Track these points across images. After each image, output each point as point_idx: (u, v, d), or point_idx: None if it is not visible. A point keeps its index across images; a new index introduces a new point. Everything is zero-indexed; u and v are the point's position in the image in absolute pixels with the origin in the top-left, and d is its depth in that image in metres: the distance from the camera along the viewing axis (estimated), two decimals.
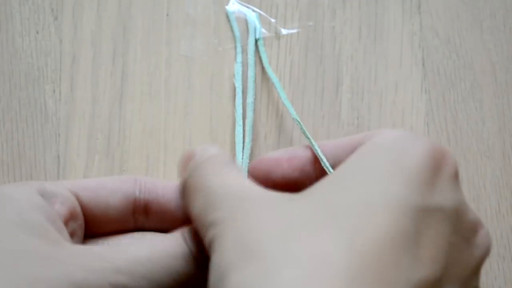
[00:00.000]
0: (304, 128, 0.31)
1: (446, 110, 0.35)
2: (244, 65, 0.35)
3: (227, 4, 0.36)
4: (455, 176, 0.23)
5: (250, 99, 0.34)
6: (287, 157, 0.29)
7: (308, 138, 0.30)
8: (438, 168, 0.22)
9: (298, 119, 0.32)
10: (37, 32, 0.35)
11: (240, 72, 0.34)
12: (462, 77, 0.35)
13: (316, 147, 0.29)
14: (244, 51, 0.35)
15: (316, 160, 0.29)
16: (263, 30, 0.35)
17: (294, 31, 0.36)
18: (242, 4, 0.36)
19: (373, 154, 0.22)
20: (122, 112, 0.34)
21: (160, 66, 0.35)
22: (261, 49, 0.35)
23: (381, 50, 0.36)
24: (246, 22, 0.36)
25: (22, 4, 0.35)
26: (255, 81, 0.34)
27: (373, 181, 0.21)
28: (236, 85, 0.34)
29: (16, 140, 0.34)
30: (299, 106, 0.35)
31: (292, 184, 0.29)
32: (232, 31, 0.35)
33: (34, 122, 0.34)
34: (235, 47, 0.35)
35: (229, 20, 0.36)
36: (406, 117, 0.35)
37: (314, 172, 0.29)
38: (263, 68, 0.35)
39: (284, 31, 0.36)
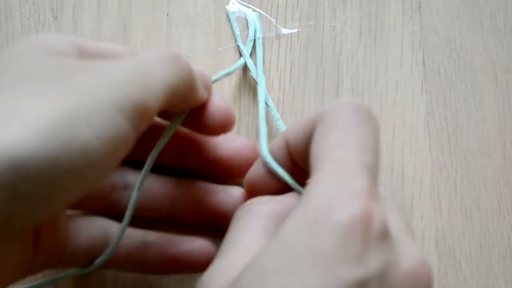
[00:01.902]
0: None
1: (446, 110, 0.35)
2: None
3: (227, 3, 0.36)
4: (383, 234, 0.22)
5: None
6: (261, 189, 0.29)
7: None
8: (362, 235, 0.21)
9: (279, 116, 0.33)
10: (37, 32, 0.35)
11: (255, 68, 0.34)
12: (463, 76, 0.35)
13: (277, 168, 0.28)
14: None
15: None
16: (263, 30, 0.35)
17: (295, 30, 0.36)
18: (242, 4, 0.36)
19: (293, 237, 0.22)
20: None
21: None
22: (259, 47, 0.35)
23: (381, 49, 0.36)
24: (246, 22, 0.36)
25: (22, 4, 0.35)
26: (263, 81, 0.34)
27: (291, 274, 0.21)
28: (259, 79, 0.34)
29: None
30: (299, 105, 0.35)
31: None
32: (232, 31, 0.35)
33: None
34: (237, 47, 0.35)
35: (229, 20, 0.36)
36: (407, 117, 0.35)
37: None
38: (263, 67, 0.35)
39: (284, 31, 0.36)
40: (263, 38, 0.35)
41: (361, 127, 0.24)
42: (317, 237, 0.21)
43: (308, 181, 0.23)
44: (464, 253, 0.33)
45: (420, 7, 0.36)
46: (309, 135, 0.25)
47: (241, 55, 0.35)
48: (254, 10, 0.36)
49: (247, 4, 0.36)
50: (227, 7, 0.36)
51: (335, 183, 0.22)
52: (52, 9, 0.35)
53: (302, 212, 0.22)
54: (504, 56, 0.36)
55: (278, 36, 0.36)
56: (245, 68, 0.35)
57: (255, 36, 0.35)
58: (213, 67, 0.35)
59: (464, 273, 0.33)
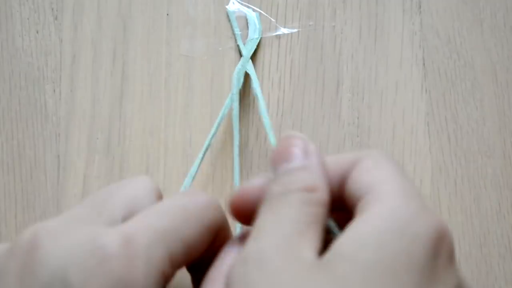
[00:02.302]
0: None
1: (446, 110, 0.35)
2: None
3: (227, 3, 0.36)
4: (452, 257, 0.21)
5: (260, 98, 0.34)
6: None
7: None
8: (436, 256, 0.20)
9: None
10: (37, 32, 0.35)
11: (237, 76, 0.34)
12: (463, 76, 0.35)
13: None
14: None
15: None
16: (263, 30, 0.35)
17: (295, 30, 0.36)
18: (242, 4, 0.36)
19: (371, 246, 0.20)
20: (122, 112, 0.34)
21: (160, 66, 0.35)
22: (251, 45, 0.35)
23: (381, 49, 0.36)
24: (246, 21, 0.36)
25: (22, 4, 0.35)
26: (242, 76, 0.34)
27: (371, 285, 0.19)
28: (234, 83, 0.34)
29: (16, 140, 0.34)
30: (299, 105, 0.35)
31: None
32: (232, 30, 0.35)
33: (34, 122, 0.34)
34: (237, 46, 0.35)
35: (229, 20, 0.36)
36: (407, 117, 0.35)
37: None
38: (263, 67, 0.35)
39: (284, 31, 0.36)
40: (263, 38, 0.35)
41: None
42: (401, 248, 0.19)
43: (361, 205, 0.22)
44: (464, 253, 0.33)
45: (420, 7, 0.36)
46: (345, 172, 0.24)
47: (241, 55, 0.35)
48: (254, 10, 0.36)
49: (247, 4, 0.36)
50: (227, 7, 0.36)
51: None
52: (52, 9, 0.35)
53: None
54: (504, 56, 0.36)
55: (278, 36, 0.36)
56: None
57: (255, 36, 0.35)
58: (213, 67, 0.35)
59: (464, 273, 0.33)
